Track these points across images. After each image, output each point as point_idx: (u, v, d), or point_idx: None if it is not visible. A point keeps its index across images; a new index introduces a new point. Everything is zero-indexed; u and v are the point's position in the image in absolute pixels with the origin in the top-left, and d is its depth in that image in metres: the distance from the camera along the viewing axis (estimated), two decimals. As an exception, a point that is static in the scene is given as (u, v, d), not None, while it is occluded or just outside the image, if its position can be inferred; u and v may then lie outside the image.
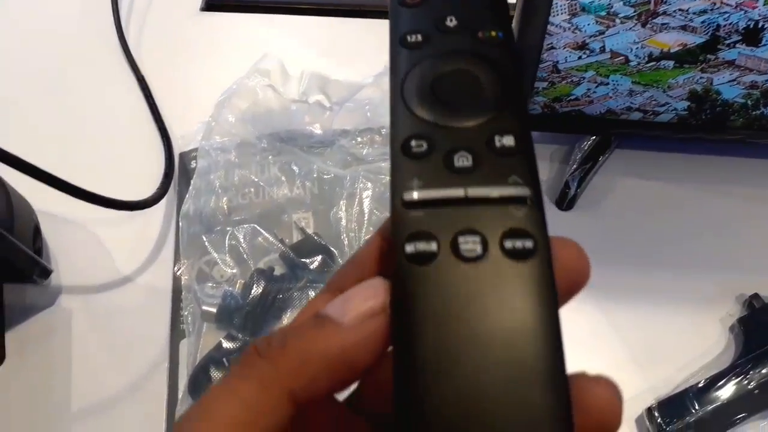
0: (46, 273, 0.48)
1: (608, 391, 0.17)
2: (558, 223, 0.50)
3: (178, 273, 0.50)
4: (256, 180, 0.51)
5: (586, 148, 0.51)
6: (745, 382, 0.42)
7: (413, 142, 0.19)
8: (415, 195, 0.18)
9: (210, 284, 0.48)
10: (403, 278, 0.17)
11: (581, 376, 0.17)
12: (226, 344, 0.45)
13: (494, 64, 0.21)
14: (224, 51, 0.62)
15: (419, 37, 0.22)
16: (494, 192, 0.18)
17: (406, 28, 0.22)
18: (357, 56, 0.58)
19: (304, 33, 0.62)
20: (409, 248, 0.17)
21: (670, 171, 0.52)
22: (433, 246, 0.17)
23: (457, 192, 0.18)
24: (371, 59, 0.54)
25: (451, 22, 0.22)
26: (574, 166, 0.50)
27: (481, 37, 0.21)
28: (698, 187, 0.51)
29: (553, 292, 0.17)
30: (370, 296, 0.17)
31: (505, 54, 0.21)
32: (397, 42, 0.22)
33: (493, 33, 0.21)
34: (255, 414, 0.16)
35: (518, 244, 0.17)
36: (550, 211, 0.51)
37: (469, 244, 0.17)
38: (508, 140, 0.19)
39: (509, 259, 0.17)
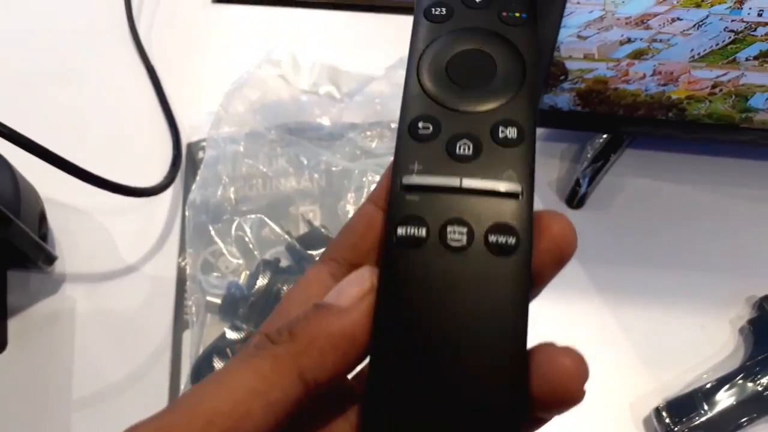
0: (50, 259, 0.47)
1: (573, 360, 0.18)
2: (567, 221, 0.50)
3: (182, 263, 0.49)
4: (264, 171, 0.51)
5: (597, 146, 0.50)
6: (754, 384, 0.42)
7: (420, 124, 0.20)
8: (414, 179, 0.19)
9: (215, 274, 0.47)
10: (392, 260, 0.19)
11: (547, 346, 0.18)
12: (230, 335, 0.44)
13: (513, 48, 0.21)
14: (235, 42, 0.61)
15: (443, 10, 0.22)
16: (488, 185, 0.19)
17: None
18: (368, 50, 0.58)
19: (316, 26, 0.62)
20: (401, 231, 0.19)
21: (681, 171, 0.52)
22: (422, 232, 0.19)
23: (453, 181, 0.19)
24: (382, 53, 0.54)
25: None
26: (585, 164, 0.50)
27: (505, 16, 0.21)
28: (709, 189, 0.51)
29: (526, 288, 0.18)
30: (360, 281, 0.19)
31: (525, 38, 0.21)
32: (421, 13, 0.22)
33: (518, 14, 0.21)
34: (268, 385, 0.17)
35: (501, 239, 0.18)
36: (561, 209, 0.50)
37: (456, 234, 0.18)
38: (512, 132, 0.19)
39: (491, 253, 0.18)
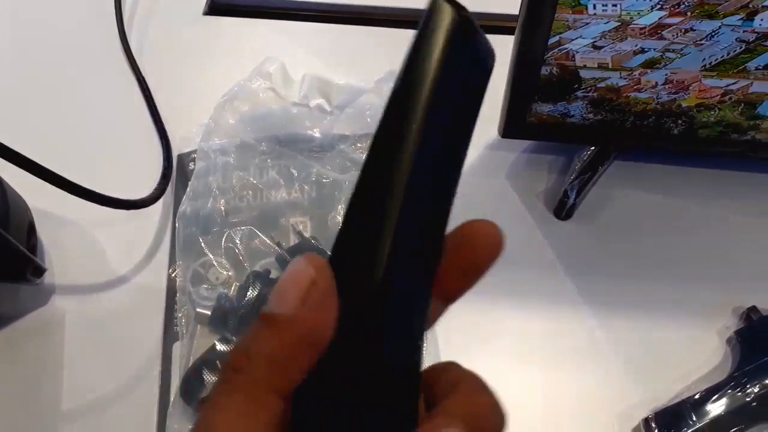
0: (39, 271, 0.47)
1: (487, 224, 0.21)
2: (556, 232, 0.50)
3: (173, 274, 0.49)
4: (254, 182, 0.51)
5: (585, 158, 0.51)
6: (742, 394, 0.42)
7: None
8: None
9: (205, 286, 0.47)
10: None
11: (467, 223, 0.21)
12: (220, 347, 0.44)
13: None
14: (226, 54, 0.62)
15: None
16: None
17: None
18: (358, 62, 0.59)
19: (307, 38, 0.62)
20: None
21: (669, 183, 0.52)
22: None
23: None
24: (372, 65, 0.54)
25: None
26: (573, 175, 0.50)
27: None
28: (697, 200, 0.51)
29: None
30: (298, 280, 0.18)
31: None
32: None
33: None
34: (251, 420, 0.18)
35: None
36: (549, 221, 0.51)
37: None
38: None
39: None
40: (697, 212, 0.51)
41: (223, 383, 0.18)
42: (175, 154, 0.55)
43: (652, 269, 0.48)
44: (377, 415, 0.18)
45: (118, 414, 0.45)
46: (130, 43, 0.61)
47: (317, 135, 0.53)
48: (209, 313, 0.46)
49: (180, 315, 0.47)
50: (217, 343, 0.45)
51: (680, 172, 0.53)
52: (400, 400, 0.19)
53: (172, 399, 0.44)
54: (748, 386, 0.42)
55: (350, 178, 0.51)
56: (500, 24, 0.60)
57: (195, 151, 0.53)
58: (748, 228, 0.50)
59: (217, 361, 0.44)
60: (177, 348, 0.46)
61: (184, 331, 0.46)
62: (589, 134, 0.49)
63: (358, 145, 0.53)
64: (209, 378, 0.44)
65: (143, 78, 0.59)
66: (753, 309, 0.46)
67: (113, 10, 0.62)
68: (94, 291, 0.49)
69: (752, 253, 0.49)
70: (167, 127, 0.56)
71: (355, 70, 0.55)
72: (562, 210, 0.50)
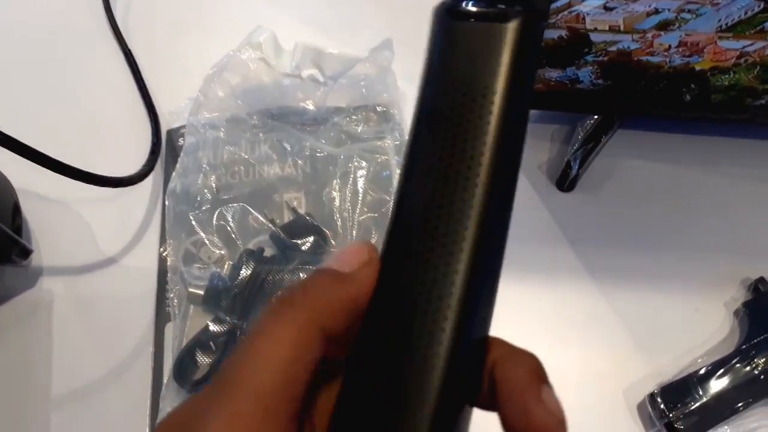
0: (25, 253, 0.46)
1: None
2: (559, 204, 0.49)
3: (164, 254, 0.48)
4: (246, 157, 0.49)
5: (588, 127, 0.49)
6: (750, 368, 0.41)
7: None
8: None
9: (197, 265, 0.46)
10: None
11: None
12: (213, 327, 0.43)
13: None
14: (215, 25, 0.60)
15: None
16: None
17: None
18: (352, 30, 0.57)
19: (298, 6, 0.60)
20: None
21: (674, 152, 0.51)
22: None
23: None
24: (367, 33, 0.52)
25: None
26: (576, 145, 0.49)
27: None
28: (703, 169, 0.50)
29: None
30: (360, 253, 0.21)
31: None
32: None
33: None
34: (299, 351, 0.18)
35: None
36: (551, 193, 0.49)
37: None
38: None
39: None
40: (704, 181, 0.50)
41: (274, 315, 0.19)
42: (164, 129, 0.53)
43: (657, 240, 0.47)
44: (456, 375, 0.19)
45: (111, 397, 0.44)
46: (115, 16, 0.59)
47: (310, 107, 0.51)
48: (202, 292, 0.45)
49: (172, 295, 0.46)
50: (210, 323, 0.43)
51: (685, 140, 0.51)
52: (476, 363, 0.20)
53: (165, 381, 0.43)
54: (755, 359, 0.41)
55: (345, 152, 0.49)
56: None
57: (184, 126, 0.51)
58: (755, 197, 0.49)
59: (211, 342, 0.43)
60: (169, 329, 0.45)
61: (177, 312, 0.45)
62: (596, 102, 0.47)
63: (353, 117, 0.51)
64: (202, 359, 0.43)
65: (129, 51, 0.57)
66: (761, 280, 0.45)
67: (97, -19, 0.60)
68: (82, 272, 0.48)
69: (760, 223, 0.48)
70: (155, 102, 0.54)
71: (349, 39, 0.53)
72: (565, 181, 0.49)
